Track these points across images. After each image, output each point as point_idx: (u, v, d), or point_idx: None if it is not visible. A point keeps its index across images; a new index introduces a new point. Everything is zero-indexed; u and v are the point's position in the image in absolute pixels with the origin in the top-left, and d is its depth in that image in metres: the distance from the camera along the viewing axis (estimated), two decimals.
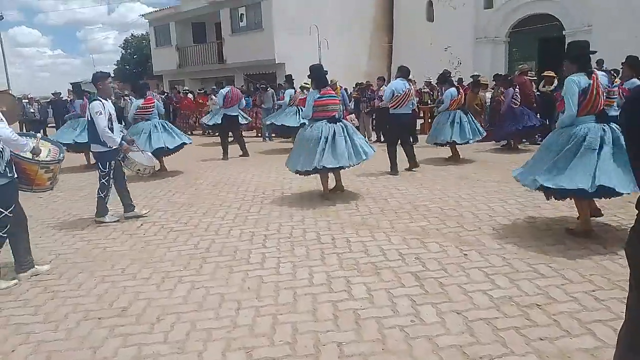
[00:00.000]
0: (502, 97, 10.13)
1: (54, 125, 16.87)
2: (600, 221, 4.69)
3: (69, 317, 3.27)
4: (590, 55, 4.37)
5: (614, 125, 4.21)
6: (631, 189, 3.90)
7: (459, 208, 5.54)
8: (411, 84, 8.33)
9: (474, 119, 9.04)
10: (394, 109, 7.72)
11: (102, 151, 5.46)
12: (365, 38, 23.03)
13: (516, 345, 2.64)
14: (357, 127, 12.83)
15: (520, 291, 3.31)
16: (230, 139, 10.92)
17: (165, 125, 8.98)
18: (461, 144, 8.79)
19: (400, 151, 7.91)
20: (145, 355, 2.74)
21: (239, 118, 11.24)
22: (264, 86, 14.48)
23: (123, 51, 40.40)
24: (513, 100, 9.56)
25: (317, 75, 6.33)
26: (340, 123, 6.28)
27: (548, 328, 2.80)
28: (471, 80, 12.11)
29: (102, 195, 5.59)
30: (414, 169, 8.03)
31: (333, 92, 6.49)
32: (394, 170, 7.81)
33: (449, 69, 14.00)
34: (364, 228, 4.96)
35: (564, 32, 16.68)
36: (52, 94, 18.33)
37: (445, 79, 9.17)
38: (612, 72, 8.96)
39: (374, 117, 13.44)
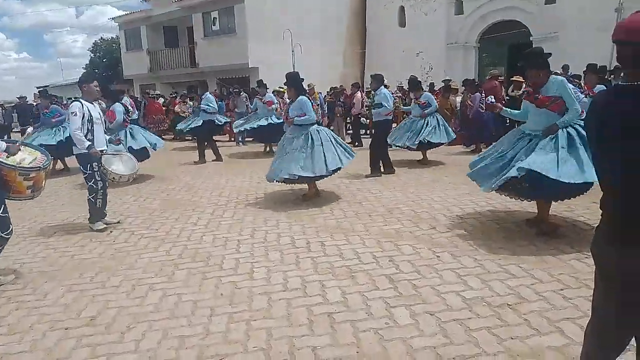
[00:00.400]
0: (469, 101, 10.31)
1: (18, 130, 16.36)
2: (567, 222, 4.82)
3: (35, 327, 3.16)
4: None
5: None
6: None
7: (432, 211, 5.61)
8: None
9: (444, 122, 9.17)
10: (387, 115, 8.00)
11: (80, 153, 5.35)
12: (339, 44, 23.16)
13: (488, 345, 2.67)
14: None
15: (492, 291, 3.36)
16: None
17: (131, 130, 8.67)
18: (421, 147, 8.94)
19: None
20: None
21: (219, 120, 11.33)
22: (237, 90, 14.40)
23: (92, 55, 39.55)
24: (480, 105, 9.76)
25: (296, 82, 6.39)
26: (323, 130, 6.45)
27: (519, 327, 2.85)
28: (442, 85, 12.31)
29: (90, 197, 5.45)
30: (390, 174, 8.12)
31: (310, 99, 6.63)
32: (375, 172, 7.97)
33: (421, 74, 14.25)
34: (339, 232, 4.96)
35: (531, 39, 17.16)
36: (18, 98, 17.76)
37: (415, 85, 9.31)
38: (574, 78, 9.24)
39: (348, 122, 13.54)
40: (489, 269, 3.77)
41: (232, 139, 14.69)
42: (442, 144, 9.04)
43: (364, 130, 13.21)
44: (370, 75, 8.55)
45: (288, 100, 6.78)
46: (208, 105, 10.57)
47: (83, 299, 3.59)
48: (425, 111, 8.80)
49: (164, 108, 17.37)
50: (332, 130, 12.97)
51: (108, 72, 35.46)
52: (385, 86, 8.64)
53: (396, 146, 8.96)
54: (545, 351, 2.59)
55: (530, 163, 4.13)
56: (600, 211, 1.78)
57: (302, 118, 6.18)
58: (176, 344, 2.85)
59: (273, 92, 11.96)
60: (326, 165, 6.03)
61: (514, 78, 11.16)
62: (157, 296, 3.57)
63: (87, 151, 5.24)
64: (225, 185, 7.83)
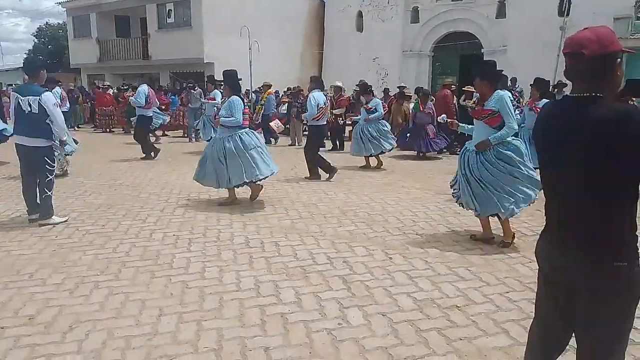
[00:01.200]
0: (422, 109, 10.54)
1: None
2: (513, 228, 5.03)
3: None
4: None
5: None
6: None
7: (385, 214, 5.70)
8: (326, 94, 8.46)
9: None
10: (317, 120, 7.79)
11: (48, 145, 5.10)
12: (297, 44, 23.16)
13: (438, 346, 2.74)
14: (283, 131, 12.90)
15: (442, 293, 3.45)
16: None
17: None
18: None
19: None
20: None
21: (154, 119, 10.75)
22: (192, 85, 14.08)
23: (36, 40, 37.57)
24: (429, 112, 10.09)
25: (232, 81, 6.15)
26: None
27: (467, 328, 2.94)
28: (398, 90, 12.56)
29: (50, 193, 5.18)
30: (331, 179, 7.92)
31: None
32: (314, 175, 7.90)
33: (377, 79, 14.48)
34: (293, 232, 4.95)
35: (482, 51, 17.84)
36: None
37: (365, 89, 9.45)
38: (516, 92, 9.67)
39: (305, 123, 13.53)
40: (439, 272, 3.87)
41: (185, 134, 14.36)
42: (384, 152, 9.13)
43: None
44: (311, 77, 8.50)
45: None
46: (135, 100, 10.03)
47: (20, 297, 3.38)
48: (370, 116, 8.92)
49: (114, 100, 16.74)
50: (288, 129, 13.05)
51: (53, 60, 33.78)
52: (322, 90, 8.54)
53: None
54: (492, 352, 2.68)
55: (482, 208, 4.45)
56: (545, 217, 1.86)
57: (228, 119, 5.91)
58: (122, 345, 2.74)
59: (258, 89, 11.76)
60: (244, 174, 5.83)
61: (466, 88, 11.56)
62: (102, 295, 3.42)
63: (57, 143, 5.08)
64: (175, 183, 7.63)
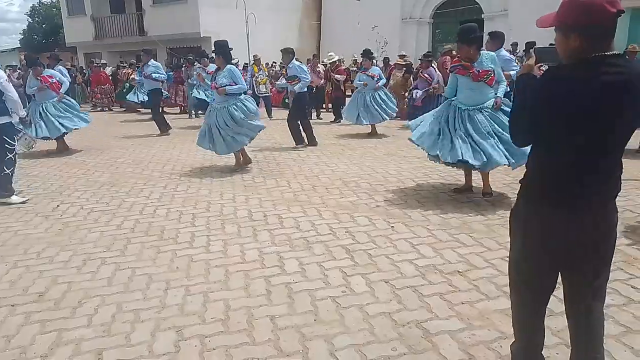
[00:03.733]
0: (423, 75, 10.43)
1: None
2: (514, 194, 5.05)
3: None
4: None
5: None
6: None
7: (387, 183, 5.71)
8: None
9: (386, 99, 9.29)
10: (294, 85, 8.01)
11: (8, 122, 5.11)
12: (295, 16, 22.76)
13: (440, 310, 2.79)
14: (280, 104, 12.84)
15: (444, 259, 3.50)
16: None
17: (43, 111, 7.93)
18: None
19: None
20: (66, 340, 2.59)
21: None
22: (191, 59, 13.89)
23: (30, 20, 37.02)
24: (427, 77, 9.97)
25: (224, 51, 6.37)
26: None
27: (469, 292, 2.99)
28: (397, 59, 12.39)
29: (8, 171, 5.17)
30: (313, 145, 8.25)
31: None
32: (300, 141, 8.14)
33: (376, 48, 14.27)
34: (296, 204, 4.98)
35: (482, 16, 17.51)
36: None
37: (367, 55, 9.35)
38: (518, 57, 9.56)
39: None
40: (441, 238, 3.91)
41: (185, 111, 14.28)
42: (386, 119, 9.21)
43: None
44: (280, 50, 8.51)
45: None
46: (157, 73, 10.05)
47: (29, 275, 3.44)
48: (377, 84, 9.00)
49: (110, 78, 16.59)
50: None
51: (48, 39, 33.38)
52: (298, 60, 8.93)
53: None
54: (493, 314, 2.73)
55: (489, 158, 4.55)
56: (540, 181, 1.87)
57: (234, 87, 6.22)
58: (131, 318, 2.80)
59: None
60: (246, 139, 6.46)
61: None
62: (109, 270, 3.47)
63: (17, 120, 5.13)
64: (177, 159, 7.64)
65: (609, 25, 1.62)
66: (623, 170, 1.79)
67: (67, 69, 17.43)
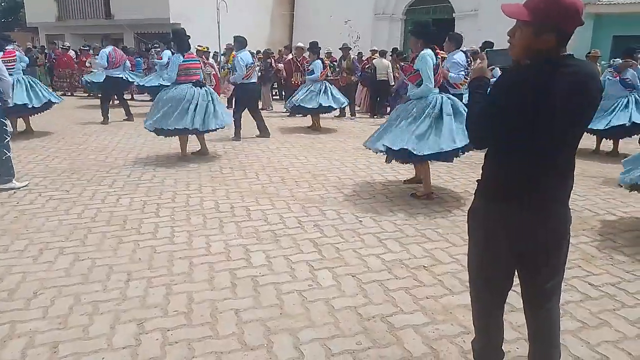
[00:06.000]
0: (397, 73, 10.54)
1: None
2: None
3: None
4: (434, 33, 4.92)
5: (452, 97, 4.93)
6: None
7: (355, 177, 5.73)
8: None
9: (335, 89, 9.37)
10: (248, 79, 7.92)
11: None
12: (267, 5, 22.45)
13: (405, 304, 2.82)
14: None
15: (410, 254, 3.53)
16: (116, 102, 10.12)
17: (31, 81, 7.99)
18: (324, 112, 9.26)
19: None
20: (20, 333, 2.48)
21: (126, 79, 10.38)
22: (157, 46, 13.55)
23: None
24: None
25: (180, 39, 6.40)
26: (205, 88, 6.56)
27: (434, 287, 3.03)
28: (370, 53, 12.44)
29: (9, 155, 5.11)
30: (264, 136, 8.30)
31: (195, 56, 6.83)
32: (237, 136, 8.08)
33: (348, 42, 14.25)
34: (264, 197, 4.92)
35: (454, 15, 17.74)
36: None
37: (312, 48, 9.34)
38: (470, 54, 9.66)
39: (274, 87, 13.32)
40: (408, 233, 3.94)
41: (152, 98, 13.91)
42: (334, 108, 9.33)
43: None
44: (234, 37, 8.33)
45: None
46: (99, 61, 9.68)
47: None
48: (307, 77, 9.20)
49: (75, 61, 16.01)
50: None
51: (7, 18, 31.92)
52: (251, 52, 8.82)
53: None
54: (456, 309, 2.78)
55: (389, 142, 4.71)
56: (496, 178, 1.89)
57: (166, 77, 6.57)
58: (90, 310, 2.71)
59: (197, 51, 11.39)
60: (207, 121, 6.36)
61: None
62: (67, 261, 3.35)
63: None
64: (142, 147, 7.44)
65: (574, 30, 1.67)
66: (576, 169, 1.81)
67: (28, 49, 16.79)
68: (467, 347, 2.38)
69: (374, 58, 11.80)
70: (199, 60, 6.85)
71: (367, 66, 12.01)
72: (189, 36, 6.49)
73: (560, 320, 1.99)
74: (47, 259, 3.38)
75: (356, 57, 13.14)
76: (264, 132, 8.32)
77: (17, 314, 2.66)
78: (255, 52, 14.85)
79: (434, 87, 4.77)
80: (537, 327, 1.96)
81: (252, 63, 7.97)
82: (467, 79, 6.28)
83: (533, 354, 1.99)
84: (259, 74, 12.38)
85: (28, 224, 4.07)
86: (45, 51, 17.95)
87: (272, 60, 12.96)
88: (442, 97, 4.79)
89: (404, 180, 5.43)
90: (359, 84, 12.36)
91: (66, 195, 4.89)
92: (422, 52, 4.65)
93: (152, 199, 4.79)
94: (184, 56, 6.33)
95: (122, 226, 4.05)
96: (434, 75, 4.70)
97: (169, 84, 6.58)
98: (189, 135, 6.63)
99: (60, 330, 2.52)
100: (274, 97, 13.46)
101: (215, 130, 6.63)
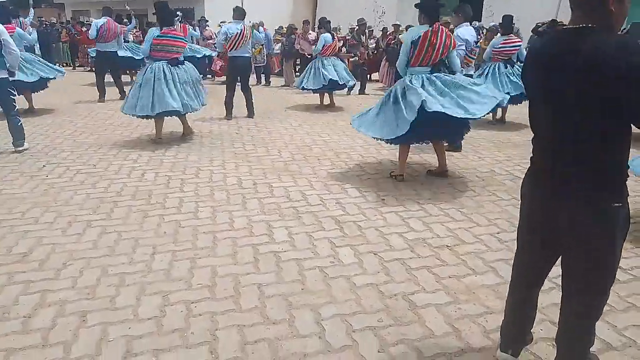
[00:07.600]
0: None
1: None
2: (506, 171, 5.04)
3: None
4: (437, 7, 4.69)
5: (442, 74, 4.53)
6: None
7: (379, 156, 5.67)
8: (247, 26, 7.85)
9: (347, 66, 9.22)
10: (230, 51, 7.59)
11: (6, 77, 5.40)
12: None
13: (427, 283, 2.80)
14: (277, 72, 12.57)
15: (433, 233, 3.49)
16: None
17: (29, 58, 7.70)
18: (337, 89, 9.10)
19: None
20: (50, 302, 2.56)
21: (119, 53, 10.00)
22: (178, 17, 13.43)
23: None
24: None
25: (162, 13, 6.10)
26: (183, 66, 6.15)
27: (456, 267, 3.00)
28: (393, 28, 12.21)
29: (20, 118, 5.60)
30: (249, 117, 7.98)
31: (178, 33, 6.41)
32: (228, 115, 7.83)
33: (373, 17, 13.97)
34: (286, 174, 4.93)
35: None
36: None
37: (322, 24, 9.15)
38: (480, 29, 9.31)
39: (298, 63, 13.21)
40: (431, 213, 3.90)
41: None
42: (345, 86, 9.13)
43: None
44: (233, 8, 7.98)
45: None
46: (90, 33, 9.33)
47: (13, 235, 3.38)
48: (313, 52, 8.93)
49: None
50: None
51: None
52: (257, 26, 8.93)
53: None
54: (479, 289, 2.74)
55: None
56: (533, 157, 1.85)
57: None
58: (116, 281, 2.77)
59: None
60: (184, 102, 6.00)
61: None
62: (95, 233, 3.42)
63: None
64: (166, 124, 7.47)
65: None
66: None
67: (52, 24, 16.94)
68: (489, 326, 2.36)
69: (401, 33, 11.54)
70: (182, 38, 6.36)
71: (392, 41, 11.77)
72: (174, 11, 6.29)
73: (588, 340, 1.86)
74: (76, 231, 3.46)
75: (380, 32, 12.89)
76: (250, 112, 7.99)
77: (47, 284, 2.74)
78: (279, 27, 14.74)
79: (417, 65, 4.50)
80: (562, 332, 1.87)
81: (236, 34, 7.42)
82: (470, 57, 5.98)
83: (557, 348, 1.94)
84: (278, 50, 12.20)
85: (57, 197, 4.17)
86: (66, 26, 18.16)
87: (296, 36, 12.80)
88: (417, 77, 4.48)
89: (428, 171, 5.04)
90: (384, 59, 12.15)
91: (93, 169, 4.98)
92: (413, 28, 4.69)
93: (176, 174, 4.84)
94: (161, 30, 5.97)
95: (147, 200, 4.11)
96: (416, 51, 4.45)
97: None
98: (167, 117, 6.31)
99: (88, 300, 2.59)
100: (296, 74, 13.35)
101: (192, 112, 6.35)
